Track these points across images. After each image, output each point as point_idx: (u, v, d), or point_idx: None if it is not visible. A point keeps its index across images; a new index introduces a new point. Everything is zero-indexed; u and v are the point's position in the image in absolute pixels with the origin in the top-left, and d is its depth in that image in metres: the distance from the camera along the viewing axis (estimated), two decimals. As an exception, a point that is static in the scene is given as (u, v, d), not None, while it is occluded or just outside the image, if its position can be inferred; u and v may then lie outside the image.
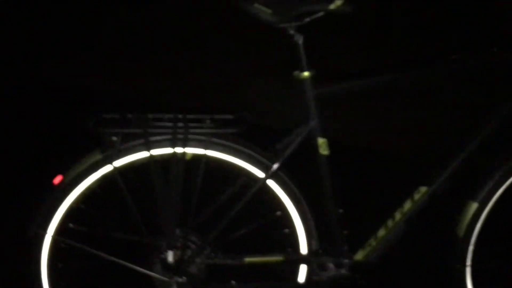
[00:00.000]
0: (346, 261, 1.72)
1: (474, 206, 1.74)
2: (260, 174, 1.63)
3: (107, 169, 1.59)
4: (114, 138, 1.55)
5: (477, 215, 1.74)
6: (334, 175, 1.67)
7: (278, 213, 1.72)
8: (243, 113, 1.61)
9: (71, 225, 1.66)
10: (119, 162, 1.58)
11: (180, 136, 1.55)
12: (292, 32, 1.52)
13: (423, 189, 1.72)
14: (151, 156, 1.55)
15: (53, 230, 1.65)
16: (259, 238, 1.72)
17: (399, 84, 1.63)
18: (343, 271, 1.72)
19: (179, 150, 1.56)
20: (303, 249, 1.75)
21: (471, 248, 1.80)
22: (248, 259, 1.69)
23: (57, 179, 1.62)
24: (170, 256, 1.65)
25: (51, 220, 1.64)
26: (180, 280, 1.67)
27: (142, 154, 1.58)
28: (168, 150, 1.57)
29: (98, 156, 1.58)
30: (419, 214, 1.74)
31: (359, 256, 1.78)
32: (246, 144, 1.62)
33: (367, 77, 1.61)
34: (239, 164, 1.63)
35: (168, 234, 1.63)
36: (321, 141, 1.63)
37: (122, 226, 1.69)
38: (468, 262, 1.82)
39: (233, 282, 1.72)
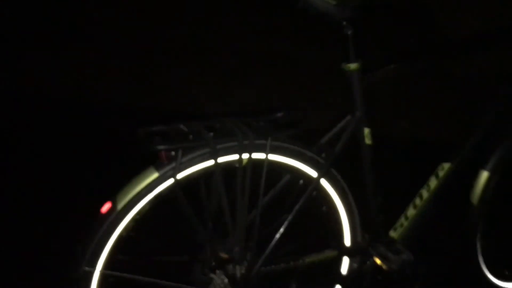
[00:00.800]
0: (399, 245, 1.75)
1: (485, 174, 1.89)
2: (313, 173, 1.60)
3: (162, 187, 1.44)
4: (173, 153, 1.41)
5: (488, 184, 1.89)
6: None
7: (324, 208, 1.69)
8: (293, 112, 1.56)
9: (120, 256, 1.47)
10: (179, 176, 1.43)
11: (246, 141, 1.45)
12: (344, 23, 1.51)
13: (446, 165, 1.82)
14: (217, 164, 1.44)
15: (102, 264, 1.45)
16: (301, 235, 1.68)
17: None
18: (405, 256, 1.74)
19: (244, 156, 1.46)
20: (347, 241, 1.75)
21: (482, 214, 1.95)
22: (308, 259, 1.65)
23: (106, 207, 1.43)
24: (238, 271, 1.55)
25: (100, 255, 1.44)
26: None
27: (203, 165, 1.45)
28: (231, 157, 1.46)
29: (154, 174, 1.42)
30: (446, 191, 1.83)
31: (392, 236, 1.83)
32: (301, 144, 1.57)
33: (410, 59, 1.65)
34: (295, 165, 1.57)
35: (238, 245, 1.52)
36: (366, 131, 1.64)
37: (172, 247, 1.55)
38: (480, 228, 1.97)
39: (292, 285, 1.67)
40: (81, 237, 1.44)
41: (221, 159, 1.44)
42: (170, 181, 1.43)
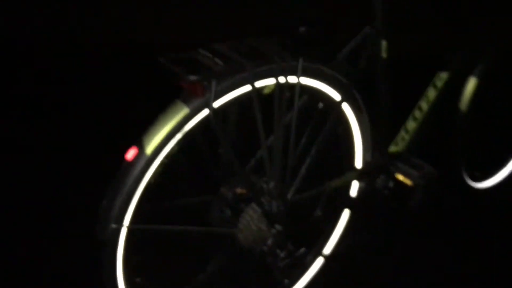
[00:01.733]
0: (417, 160, 1.72)
1: (473, 81, 1.90)
2: (335, 95, 1.48)
3: (193, 122, 1.25)
4: (205, 83, 1.21)
5: (476, 90, 1.91)
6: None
7: (340, 130, 1.60)
8: (316, 27, 1.40)
9: (148, 206, 1.28)
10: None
11: (282, 63, 1.28)
12: None
13: (443, 74, 1.79)
14: (255, 89, 1.26)
15: (130, 218, 1.26)
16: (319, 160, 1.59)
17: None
18: (428, 168, 1.71)
19: (282, 79, 1.30)
20: (359, 164, 1.68)
21: (469, 120, 1.98)
22: (333, 184, 1.56)
23: (131, 153, 1.21)
24: (274, 205, 1.43)
25: (127, 208, 1.24)
26: (282, 228, 1.46)
27: (237, 92, 1.27)
28: (267, 82, 1.30)
29: (184, 109, 1.22)
30: (445, 102, 1.81)
31: (393, 151, 1.80)
32: (328, 64, 1.44)
33: None
34: (319, 87, 1.44)
35: (275, 175, 1.39)
36: (384, 43, 1.54)
37: (198, 189, 1.38)
38: (465, 136, 2.01)
39: (318, 212, 1.58)
40: (105, 191, 1.22)
41: (257, 84, 1.27)
42: (202, 114, 1.24)
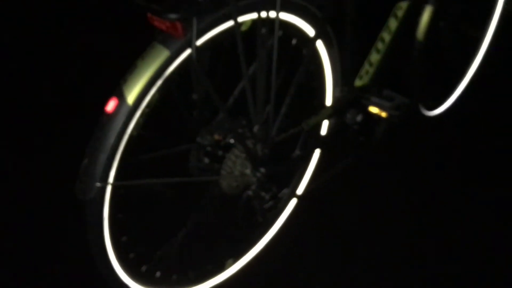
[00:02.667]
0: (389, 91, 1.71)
1: (429, 9, 1.90)
2: (310, 31, 1.42)
3: (174, 65, 1.15)
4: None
5: (432, 18, 1.91)
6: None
7: (312, 67, 1.55)
8: None
9: (131, 160, 1.19)
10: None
11: None
12: None
13: (403, 4, 1.77)
14: (238, 24, 1.18)
15: (114, 175, 1.16)
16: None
17: None
18: (401, 100, 1.70)
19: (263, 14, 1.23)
20: (328, 100, 1.65)
21: (423, 46, 1.98)
22: (311, 122, 1.52)
23: (111, 105, 1.10)
24: (258, 148, 1.37)
25: (112, 165, 1.14)
26: (266, 172, 1.42)
27: (220, 28, 1.19)
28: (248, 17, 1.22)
29: (164, 52, 1.12)
30: (405, 31, 1.80)
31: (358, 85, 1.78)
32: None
33: None
34: (295, 22, 1.38)
35: (259, 114, 1.33)
36: None
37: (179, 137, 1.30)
38: (422, 66, 2.02)
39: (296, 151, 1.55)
40: (86, 149, 1.11)
41: (240, 19, 1.19)
42: (183, 56, 1.14)
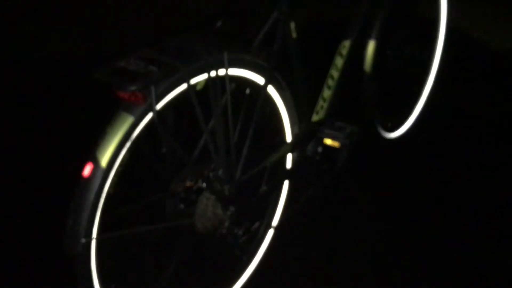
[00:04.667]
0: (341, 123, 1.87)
1: (372, 43, 2.08)
2: (260, 79, 1.59)
3: (140, 128, 1.31)
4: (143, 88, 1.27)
5: (376, 51, 2.09)
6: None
7: (267, 108, 1.72)
8: (231, 19, 1.50)
9: (111, 215, 1.33)
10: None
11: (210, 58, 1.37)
12: None
13: (346, 43, 1.95)
14: (191, 86, 1.35)
15: (97, 230, 1.31)
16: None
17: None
18: (351, 128, 1.86)
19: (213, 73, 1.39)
20: (289, 137, 1.81)
21: (371, 77, 2.16)
22: (272, 159, 1.68)
23: (88, 169, 1.26)
24: (226, 188, 1.52)
25: (94, 221, 1.29)
26: (236, 208, 1.56)
27: (175, 92, 1.35)
28: (201, 78, 1.38)
29: (129, 118, 1.28)
30: (352, 67, 1.98)
31: (315, 120, 1.95)
32: (250, 52, 1.54)
33: None
34: (244, 75, 1.54)
35: (229, 164, 1.49)
36: (292, 25, 1.66)
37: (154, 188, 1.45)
38: (374, 94, 2.20)
39: (263, 188, 1.69)
40: (68, 209, 1.26)
41: (192, 81, 1.36)
42: (147, 119, 1.30)
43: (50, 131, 2.53)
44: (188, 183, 1.54)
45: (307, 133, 1.79)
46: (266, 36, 1.63)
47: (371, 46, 2.08)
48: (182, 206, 1.53)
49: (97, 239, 1.29)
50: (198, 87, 1.43)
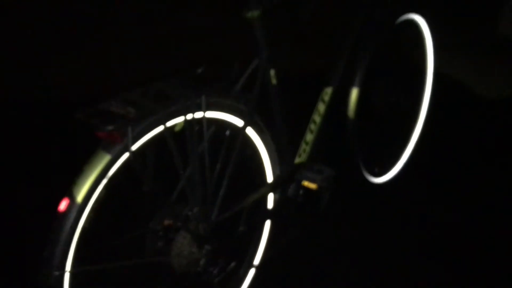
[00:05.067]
0: (321, 165, 1.92)
1: (355, 91, 2.15)
2: (239, 122, 1.65)
3: (116, 167, 1.37)
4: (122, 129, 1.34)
5: (359, 98, 2.16)
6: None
7: (248, 151, 1.78)
8: (212, 66, 1.58)
9: (85, 249, 1.38)
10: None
11: (187, 102, 1.44)
12: None
13: (328, 89, 2.03)
14: (167, 129, 1.41)
15: (71, 264, 1.35)
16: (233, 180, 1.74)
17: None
18: (328, 172, 1.91)
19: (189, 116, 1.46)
20: (270, 178, 1.86)
21: (358, 126, 2.23)
22: (250, 199, 1.72)
23: (63, 204, 1.31)
24: (201, 228, 1.57)
25: (67, 255, 1.33)
26: (211, 247, 1.60)
27: (152, 133, 1.41)
28: (178, 120, 1.44)
29: (106, 157, 1.34)
30: (334, 111, 2.05)
31: (297, 162, 2.00)
32: (229, 96, 1.61)
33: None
34: (223, 118, 1.61)
35: (205, 205, 1.54)
36: (272, 72, 1.74)
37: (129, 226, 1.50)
38: (358, 140, 2.26)
39: (241, 227, 1.73)
40: (44, 242, 1.31)
41: (169, 123, 1.42)
42: (123, 158, 1.36)
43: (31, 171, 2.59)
44: (167, 222, 1.58)
45: (287, 175, 1.85)
46: (247, 81, 1.70)
47: (354, 93, 2.15)
48: (160, 243, 1.58)
49: (71, 272, 1.33)
50: (177, 129, 1.49)
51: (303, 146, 2.02)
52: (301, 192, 1.91)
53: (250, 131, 1.71)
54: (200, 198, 1.53)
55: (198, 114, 1.49)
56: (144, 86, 1.44)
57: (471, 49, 4.09)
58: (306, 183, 1.87)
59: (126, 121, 1.31)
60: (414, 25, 2.42)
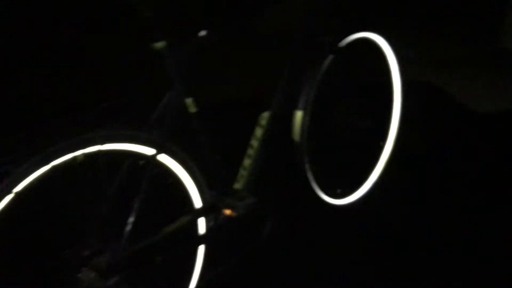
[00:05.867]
0: (243, 192, 1.90)
1: (299, 114, 2.11)
2: (149, 151, 1.65)
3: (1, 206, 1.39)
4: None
5: (303, 121, 2.12)
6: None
7: (170, 180, 1.77)
8: (118, 100, 1.59)
9: None
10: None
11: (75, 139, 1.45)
12: (142, 6, 1.56)
13: (265, 114, 2.00)
14: (54, 168, 1.42)
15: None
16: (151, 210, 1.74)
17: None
18: (250, 200, 1.89)
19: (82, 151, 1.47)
20: (198, 203, 1.85)
21: (305, 148, 2.18)
22: (167, 230, 1.72)
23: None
24: (103, 262, 1.57)
25: None
26: (116, 279, 1.60)
27: (39, 172, 1.42)
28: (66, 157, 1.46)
29: None
30: (273, 136, 2.02)
31: (235, 188, 1.98)
32: (133, 127, 1.62)
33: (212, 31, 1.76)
34: (132, 149, 1.61)
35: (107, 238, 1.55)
36: (188, 101, 1.73)
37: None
38: (306, 159, 2.21)
39: (158, 257, 1.73)
40: None
41: (56, 162, 1.43)
42: (7, 199, 1.37)
43: None
44: (73, 256, 1.58)
45: (207, 203, 1.83)
46: (162, 111, 1.70)
47: (298, 116, 2.12)
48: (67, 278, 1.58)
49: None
50: (78, 161, 1.50)
51: (241, 171, 2.00)
52: (222, 219, 1.89)
53: (167, 160, 1.71)
54: (103, 235, 1.54)
55: (93, 148, 1.50)
56: (40, 125, 1.46)
57: (467, 62, 3.94)
58: (227, 211, 1.85)
59: (7, 160, 1.33)
60: (371, 43, 2.36)
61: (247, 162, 1.99)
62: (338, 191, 2.46)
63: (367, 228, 2.38)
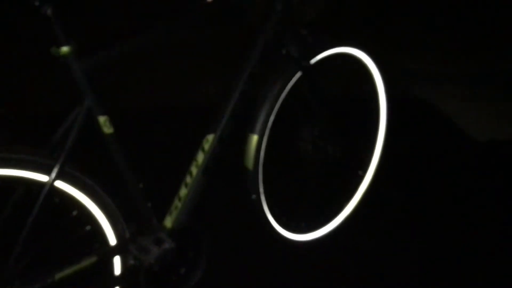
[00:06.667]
0: (162, 234, 1.59)
1: (254, 138, 1.78)
2: (43, 177, 1.34)
3: None
4: None
5: (259, 146, 1.79)
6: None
7: (74, 212, 1.46)
8: None
9: None
10: None
11: None
12: (37, 3, 1.24)
13: (210, 137, 1.67)
14: None
15: None
16: (60, 247, 1.46)
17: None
18: (167, 245, 1.58)
19: None
20: (112, 240, 1.54)
21: (260, 177, 1.85)
22: (59, 275, 1.41)
23: None
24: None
25: None
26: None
27: None
28: None
29: None
30: (216, 162, 1.69)
31: (168, 223, 1.67)
32: (25, 150, 1.31)
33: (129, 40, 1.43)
34: (21, 175, 1.31)
35: None
36: (102, 119, 1.41)
37: None
38: (261, 190, 1.88)
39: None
40: None
41: None
42: None
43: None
44: None
45: (118, 244, 1.52)
46: (68, 129, 1.39)
47: (253, 141, 1.79)
48: None
49: None
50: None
51: (175, 202, 1.68)
52: (156, 257, 1.58)
53: (69, 189, 1.40)
54: None
55: None
56: None
57: (468, 83, 3.58)
58: (135, 255, 1.54)
59: None
60: (351, 59, 2.01)
61: (183, 192, 1.67)
62: (302, 224, 2.12)
63: (333, 268, 2.06)
